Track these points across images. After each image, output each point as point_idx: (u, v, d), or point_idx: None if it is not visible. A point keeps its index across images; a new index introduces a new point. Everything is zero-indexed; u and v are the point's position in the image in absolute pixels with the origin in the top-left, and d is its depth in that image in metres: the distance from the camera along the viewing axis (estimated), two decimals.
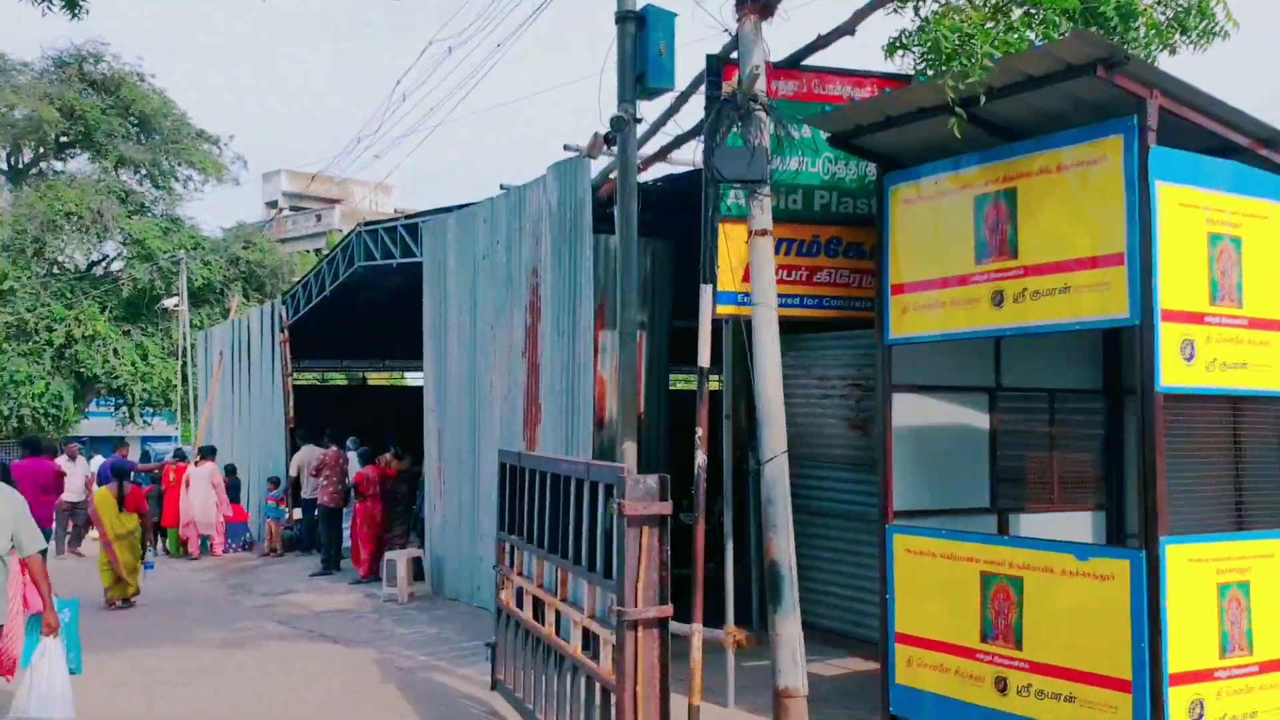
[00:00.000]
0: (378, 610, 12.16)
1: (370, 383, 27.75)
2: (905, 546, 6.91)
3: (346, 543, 15.36)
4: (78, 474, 17.98)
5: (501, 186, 11.77)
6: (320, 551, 16.21)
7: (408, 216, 14.14)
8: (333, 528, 15.22)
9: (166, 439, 36.86)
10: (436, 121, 75.98)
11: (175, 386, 28.70)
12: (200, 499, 17.51)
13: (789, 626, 6.50)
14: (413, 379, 29.15)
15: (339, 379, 28.01)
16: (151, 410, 30.94)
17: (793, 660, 6.45)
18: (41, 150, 30.47)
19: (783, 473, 6.69)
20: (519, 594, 7.51)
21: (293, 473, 17.34)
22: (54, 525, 17.05)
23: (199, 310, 27.96)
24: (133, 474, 15.21)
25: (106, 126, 29.00)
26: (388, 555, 12.93)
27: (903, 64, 6.36)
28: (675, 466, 8.70)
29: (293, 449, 18.57)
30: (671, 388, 12.27)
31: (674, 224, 9.96)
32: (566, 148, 10.60)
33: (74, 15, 7.09)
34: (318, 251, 47.65)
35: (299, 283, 18.70)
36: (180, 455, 19.97)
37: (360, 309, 19.26)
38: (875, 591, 7.37)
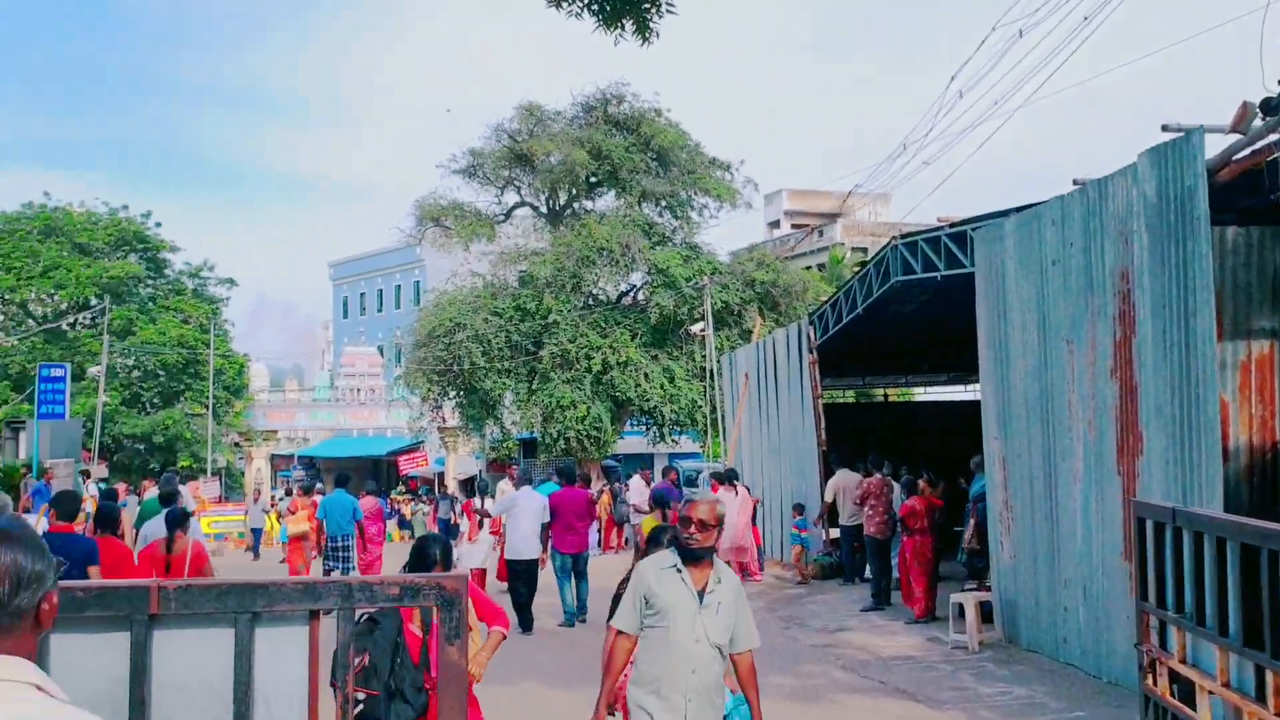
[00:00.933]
0: (948, 660, 11.05)
1: (885, 399, 26.88)
2: None
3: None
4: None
5: (1075, 182, 10.26)
6: (867, 582, 15.58)
7: (952, 225, 12.97)
8: (883, 560, 14.38)
9: (693, 455, 38.59)
10: (1005, 111, 73.55)
11: (700, 406, 29.66)
12: (738, 522, 17.47)
13: None
14: (927, 394, 27.88)
15: (848, 396, 27.44)
16: (679, 429, 32.31)
17: None
18: (574, 192, 33.03)
19: None
20: (1181, 685, 6.03)
21: (828, 498, 16.80)
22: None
23: (719, 332, 28.72)
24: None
25: (630, 164, 30.77)
26: (954, 597, 11.80)
27: None
28: None
29: (825, 473, 18.12)
30: None
31: None
32: (1165, 128, 8.91)
33: (644, 41, 6.76)
34: (820, 267, 47.91)
35: (826, 302, 18.20)
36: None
37: (885, 324, 18.39)
38: None
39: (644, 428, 33.31)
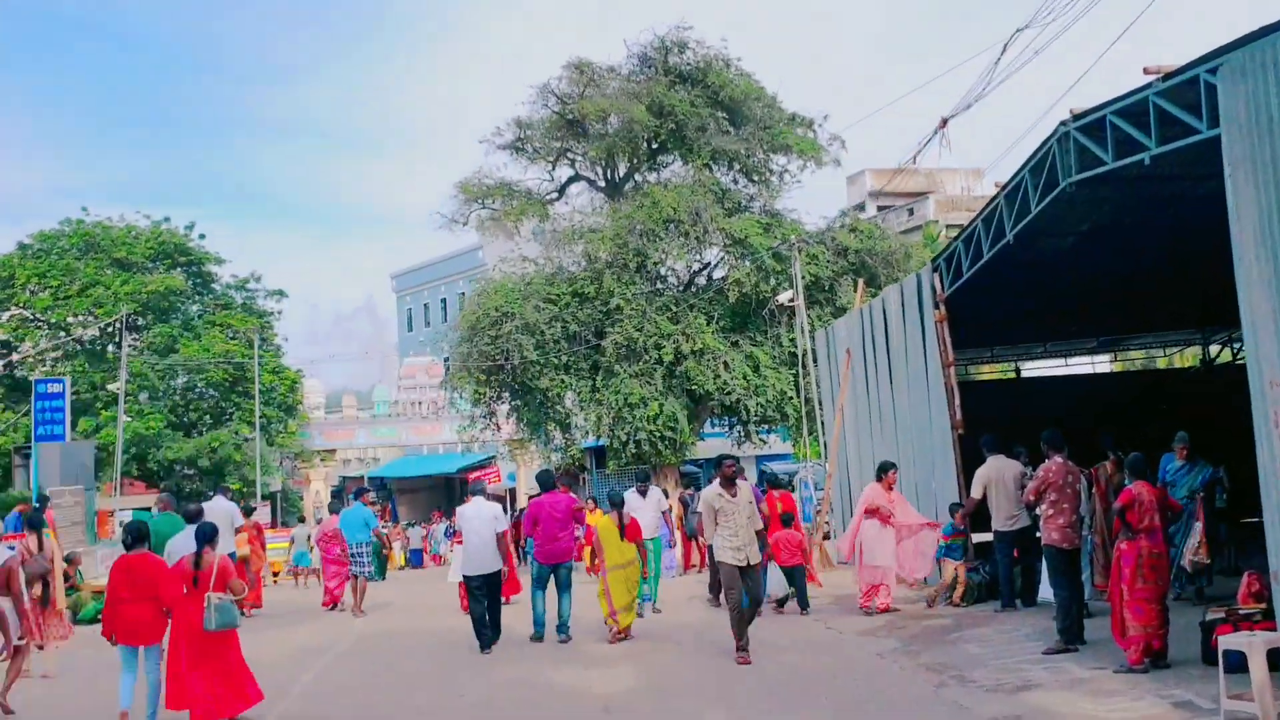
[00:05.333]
0: None
1: (1024, 375, 22.30)
2: None
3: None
4: None
5: None
6: (1034, 609, 11.78)
7: (1167, 75, 8.59)
8: (1071, 580, 10.01)
9: (783, 457, 34.16)
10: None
11: (790, 398, 25.33)
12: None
13: None
14: (1080, 365, 23.17)
15: (979, 372, 22.95)
16: (766, 427, 27.98)
17: None
18: (635, 161, 28.96)
19: None
20: None
21: (975, 493, 12.52)
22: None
23: (809, 310, 24.37)
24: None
25: (696, 120, 26.59)
26: (1224, 640, 7.40)
27: None
28: None
29: (962, 461, 13.86)
30: None
31: None
32: None
33: None
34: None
35: (957, 238, 13.85)
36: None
37: (1025, 271, 14.09)
38: None
39: (726, 427, 29.00)
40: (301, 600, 19.36)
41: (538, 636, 12.54)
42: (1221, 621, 8.44)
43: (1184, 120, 8.48)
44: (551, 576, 12.60)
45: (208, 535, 9.12)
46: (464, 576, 12.45)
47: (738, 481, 10.78)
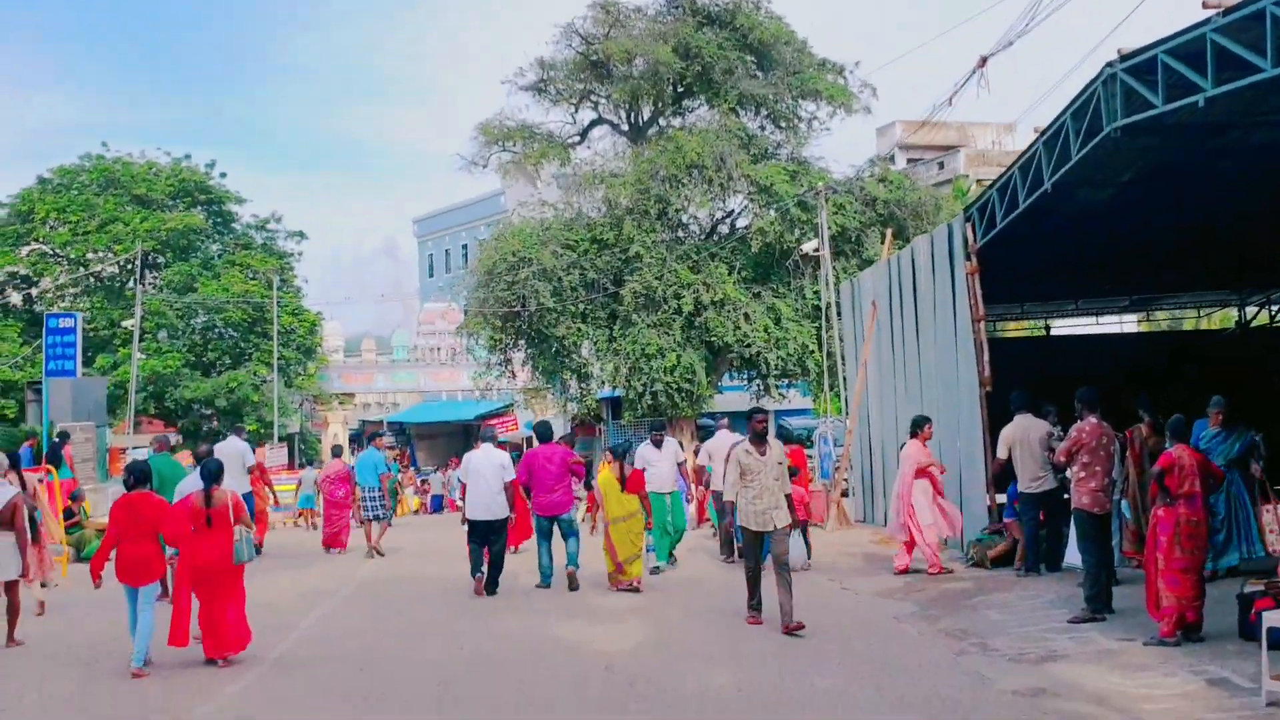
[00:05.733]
0: None
1: (1054, 333, 21.70)
2: None
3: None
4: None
5: None
6: (1056, 573, 11.47)
7: (1227, 9, 7.98)
8: (1101, 545, 9.56)
9: (802, 412, 33.71)
10: None
11: (812, 352, 24.81)
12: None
13: None
14: (1109, 325, 22.55)
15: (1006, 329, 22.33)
16: (786, 381, 27.49)
17: None
18: (659, 105, 28.25)
19: None
20: None
21: (1001, 453, 12.03)
22: None
23: (833, 262, 23.77)
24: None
25: (724, 63, 25.85)
26: (1269, 617, 6.94)
27: None
28: None
29: (988, 420, 13.38)
30: None
31: None
32: None
33: None
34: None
35: (992, 185, 13.24)
36: None
37: (1061, 222, 13.54)
38: None
39: (745, 380, 28.51)
40: (311, 542, 19.14)
41: (545, 585, 12.43)
42: (1260, 595, 7.97)
43: (1245, 59, 7.88)
44: (554, 528, 12.51)
45: (214, 473, 9.09)
46: (469, 522, 12.32)
47: (769, 439, 10.14)
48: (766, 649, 9.00)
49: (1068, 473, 10.07)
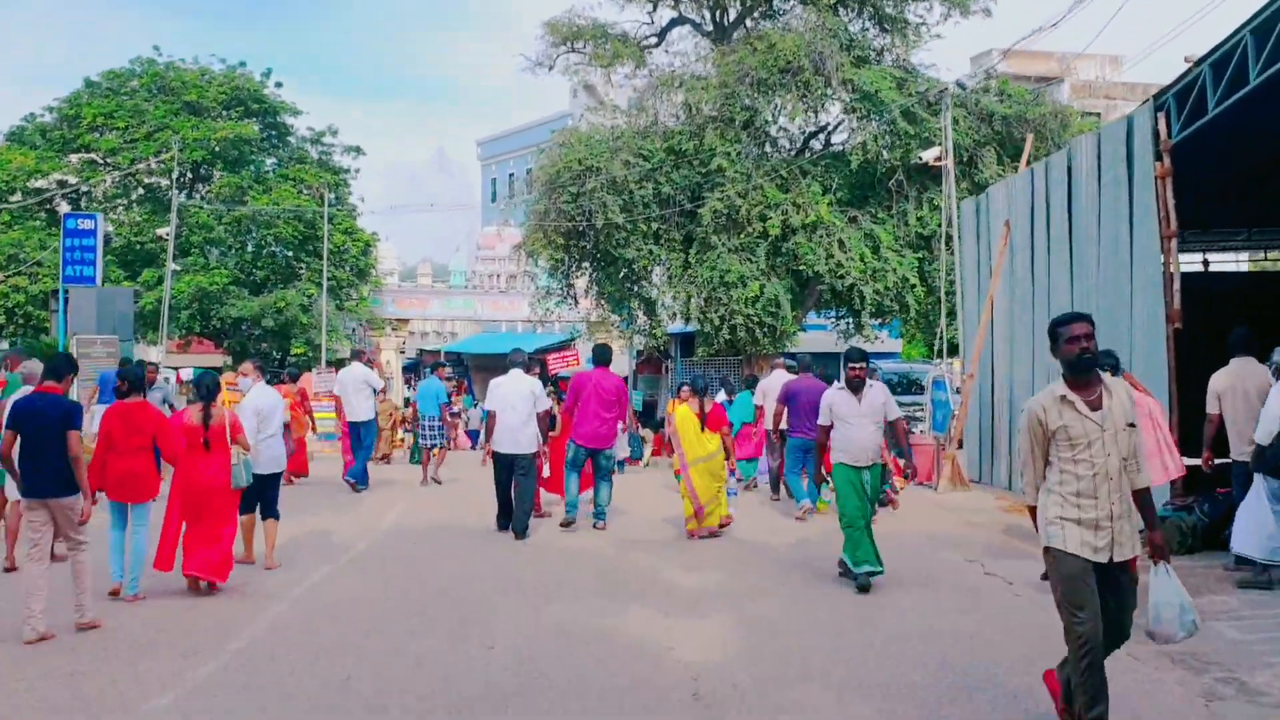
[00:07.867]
0: None
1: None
2: None
3: None
4: None
5: None
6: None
7: None
8: None
9: (889, 355, 30.72)
10: None
11: (914, 286, 21.82)
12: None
13: None
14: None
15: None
16: (880, 321, 24.54)
17: None
18: (748, 2, 25.10)
19: None
20: None
21: (1212, 409, 9.19)
22: None
23: (940, 187, 20.69)
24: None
25: None
26: None
27: None
28: None
29: (1176, 365, 10.57)
30: None
31: None
32: None
33: None
34: None
35: (1202, 59, 10.12)
36: None
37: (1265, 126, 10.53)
38: None
39: (833, 319, 25.56)
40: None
41: (569, 520, 11.60)
42: None
43: None
44: (590, 462, 11.63)
45: (211, 391, 8.68)
46: (495, 453, 11.32)
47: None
48: (917, 681, 6.29)
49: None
